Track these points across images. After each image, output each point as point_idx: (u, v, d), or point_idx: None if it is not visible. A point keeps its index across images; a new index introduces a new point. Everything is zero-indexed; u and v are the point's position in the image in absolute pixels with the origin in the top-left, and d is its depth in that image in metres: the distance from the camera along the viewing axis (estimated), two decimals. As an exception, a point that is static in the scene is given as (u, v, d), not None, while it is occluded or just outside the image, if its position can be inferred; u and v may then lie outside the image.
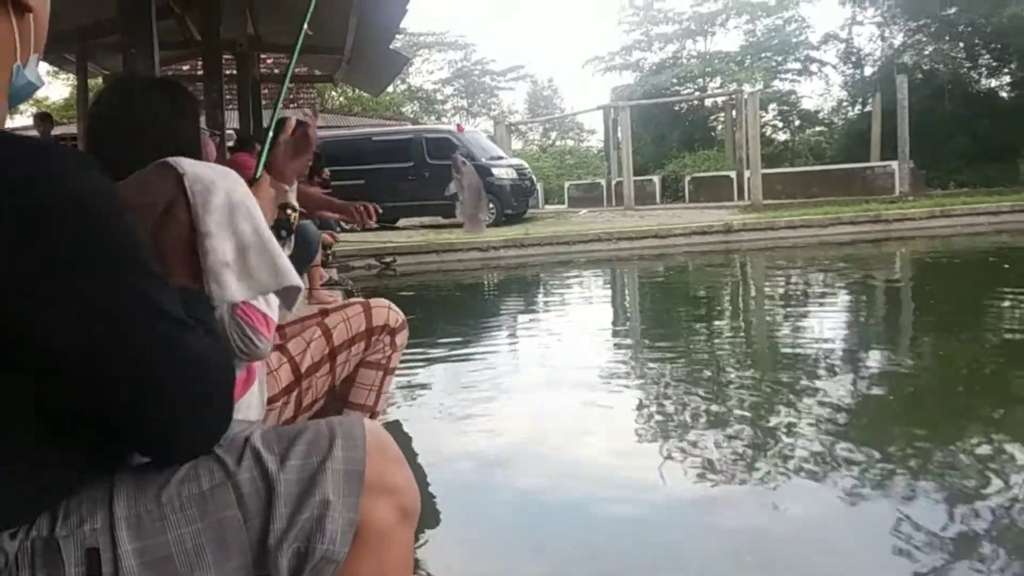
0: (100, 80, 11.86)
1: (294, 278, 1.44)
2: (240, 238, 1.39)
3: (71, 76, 12.31)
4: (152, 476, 1.10)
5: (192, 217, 1.37)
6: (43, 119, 10.69)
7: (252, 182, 1.88)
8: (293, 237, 2.01)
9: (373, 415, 2.19)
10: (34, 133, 10.65)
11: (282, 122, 2.02)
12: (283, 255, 1.47)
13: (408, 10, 7.35)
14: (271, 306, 1.66)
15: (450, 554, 3.04)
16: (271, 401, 1.93)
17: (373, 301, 2.17)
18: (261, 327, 1.59)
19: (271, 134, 2.01)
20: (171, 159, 1.44)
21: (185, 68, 15.17)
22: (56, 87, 30.07)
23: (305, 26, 2.36)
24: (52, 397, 0.97)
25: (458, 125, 18.64)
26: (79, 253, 0.93)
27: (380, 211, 3.47)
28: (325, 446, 1.17)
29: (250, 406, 1.80)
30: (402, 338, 2.20)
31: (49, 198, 0.90)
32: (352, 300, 2.30)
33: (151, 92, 1.79)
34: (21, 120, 24.41)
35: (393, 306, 2.17)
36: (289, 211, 2.01)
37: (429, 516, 3.36)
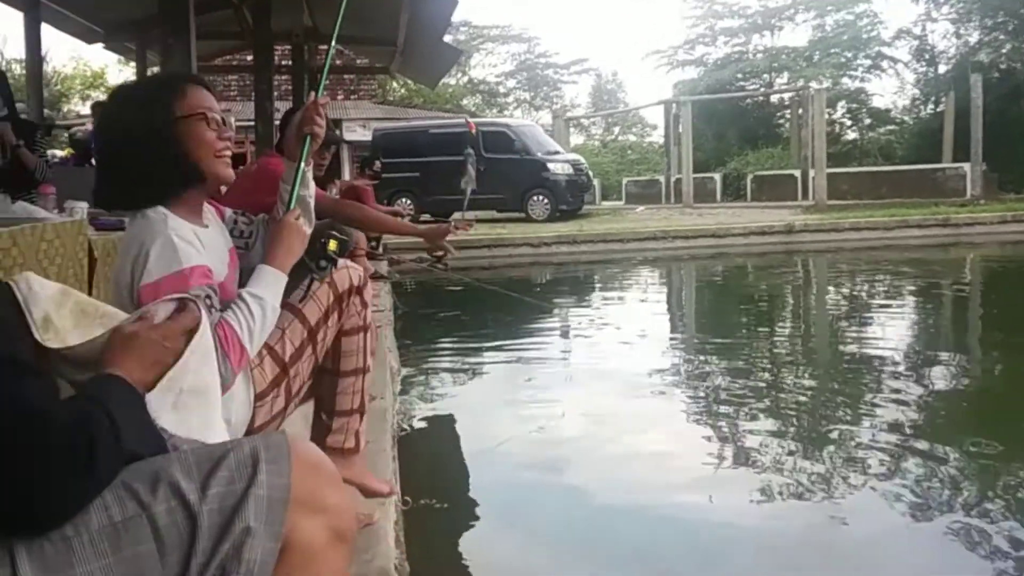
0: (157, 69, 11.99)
1: (219, 438, 1.35)
2: (192, 378, 1.32)
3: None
4: None
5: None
6: (100, 107, 10.83)
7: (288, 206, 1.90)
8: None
9: (366, 372, 2.13)
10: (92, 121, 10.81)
11: (309, 140, 1.96)
12: (219, 413, 1.39)
13: (459, 3, 7.24)
14: (253, 343, 1.66)
15: (500, 548, 3.07)
16: (260, 397, 1.84)
17: (334, 269, 2.04)
18: (233, 355, 1.58)
19: (300, 162, 1.96)
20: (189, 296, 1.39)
21: (249, 59, 15.32)
22: (127, 74, 30.66)
23: (338, 24, 2.35)
24: None
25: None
26: None
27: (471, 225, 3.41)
28: (249, 471, 1.09)
29: (232, 405, 1.73)
30: (369, 293, 2.11)
31: None
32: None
33: (132, 94, 1.80)
34: (84, 108, 25.03)
35: (350, 263, 2.05)
36: (329, 239, 1.93)
37: (480, 510, 3.42)
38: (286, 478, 1.10)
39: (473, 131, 17.12)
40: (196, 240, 1.70)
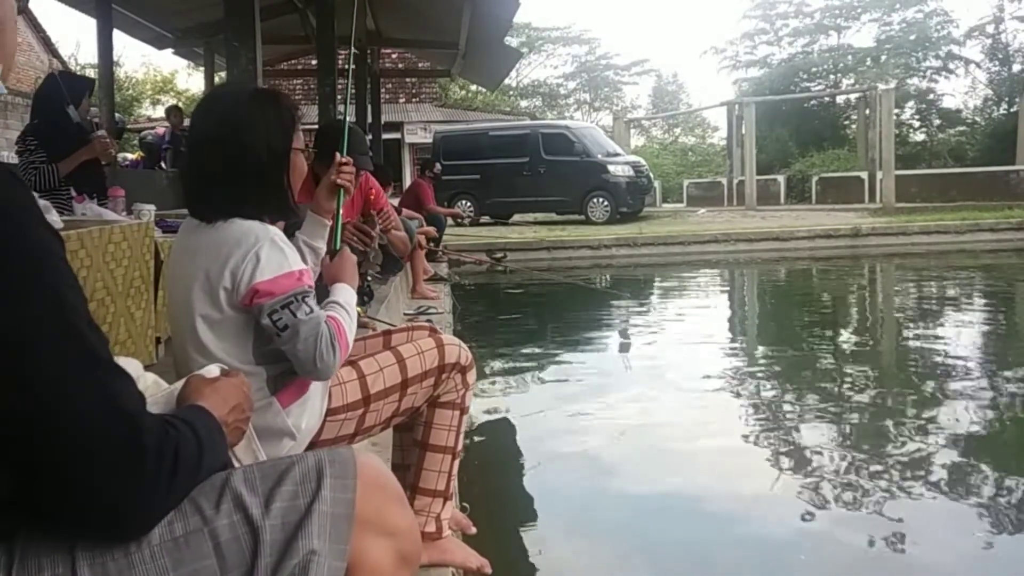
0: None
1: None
2: None
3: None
4: None
5: None
6: (174, 112, 11.09)
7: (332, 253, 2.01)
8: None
9: (455, 456, 2.13)
10: (166, 125, 11.08)
11: (342, 193, 2.05)
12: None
13: (520, 3, 7.23)
14: (351, 339, 1.75)
15: (557, 552, 3.07)
16: (333, 412, 1.87)
17: (445, 338, 2.10)
18: (342, 346, 1.68)
19: (338, 211, 2.05)
20: None
21: (313, 62, 15.53)
22: (196, 79, 31.40)
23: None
24: None
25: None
26: None
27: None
28: (313, 486, 1.06)
29: (305, 410, 1.76)
30: (472, 376, 2.13)
31: None
32: (417, 327, 2.24)
33: (261, 108, 1.77)
34: (158, 111, 25.66)
35: (463, 345, 2.11)
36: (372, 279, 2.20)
37: (537, 514, 3.44)
38: (351, 493, 1.08)
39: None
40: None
